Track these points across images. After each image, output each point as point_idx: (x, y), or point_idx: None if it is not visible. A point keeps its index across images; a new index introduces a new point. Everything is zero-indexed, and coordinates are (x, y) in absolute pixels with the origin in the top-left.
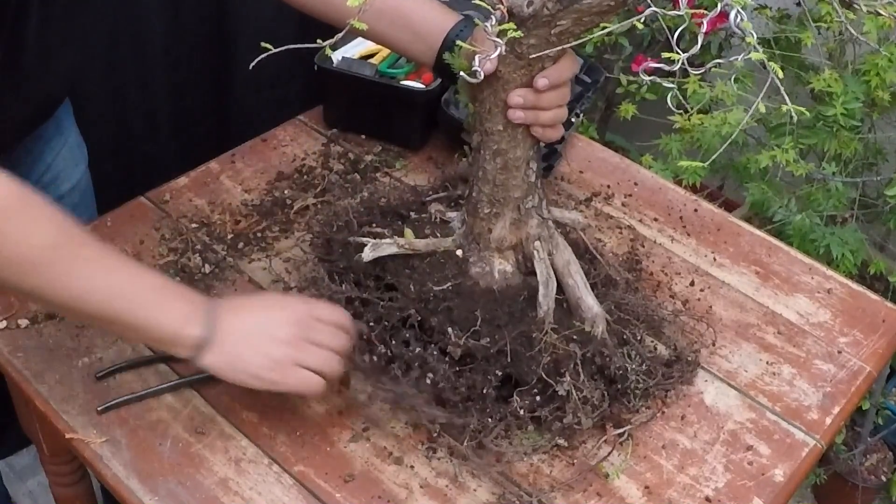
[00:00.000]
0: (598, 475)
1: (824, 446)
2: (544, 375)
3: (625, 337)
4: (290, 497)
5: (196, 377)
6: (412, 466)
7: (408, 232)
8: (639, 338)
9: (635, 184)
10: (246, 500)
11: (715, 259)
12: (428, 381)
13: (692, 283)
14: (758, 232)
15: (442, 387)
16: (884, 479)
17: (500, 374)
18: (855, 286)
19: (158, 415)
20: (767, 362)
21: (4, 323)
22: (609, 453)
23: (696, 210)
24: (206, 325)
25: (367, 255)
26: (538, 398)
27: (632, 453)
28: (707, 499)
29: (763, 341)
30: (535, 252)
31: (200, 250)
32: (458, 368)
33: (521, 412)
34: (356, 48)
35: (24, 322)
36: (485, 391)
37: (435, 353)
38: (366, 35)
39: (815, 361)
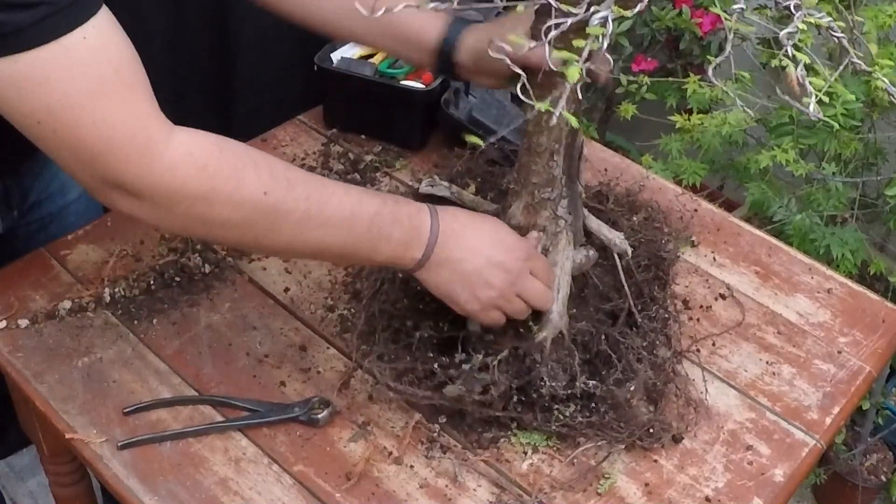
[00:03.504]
0: (598, 475)
1: (824, 446)
2: (470, 343)
3: (574, 366)
4: (290, 497)
5: (239, 422)
6: (412, 466)
7: (472, 188)
8: (593, 372)
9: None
10: (246, 500)
11: (715, 259)
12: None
13: (692, 284)
14: (758, 232)
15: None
16: (884, 479)
17: (444, 327)
18: (855, 286)
19: (158, 414)
20: (767, 362)
21: (4, 323)
22: (609, 453)
23: (696, 210)
24: (426, 250)
25: (423, 188)
26: (455, 359)
27: (632, 453)
28: (707, 499)
29: (763, 341)
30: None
31: (200, 250)
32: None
33: (434, 367)
34: (356, 48)
35: (24, 322)
36: (426, 335)
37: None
38: (362, 42)
39: (815, 361)
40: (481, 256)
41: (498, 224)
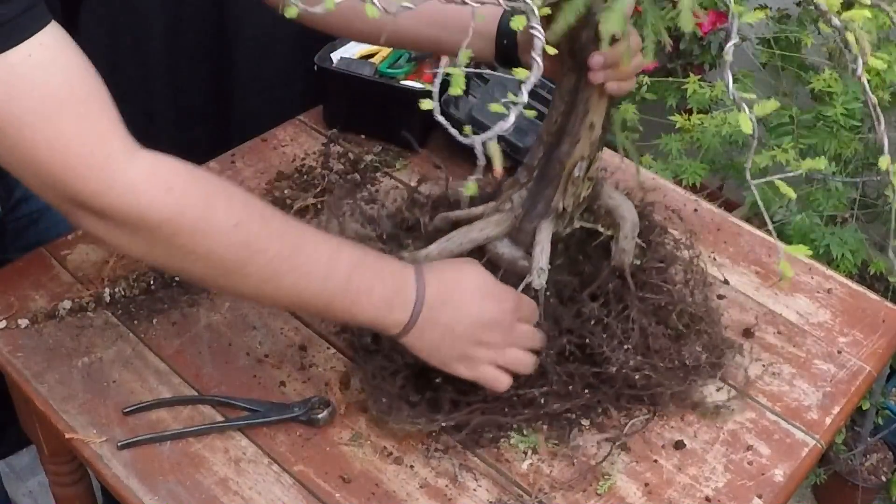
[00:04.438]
0: (598, 475)
1: (824, 446)
2: None
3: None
4: (290, 497)
5: (239, 422)
6: (412, 466)
7: None
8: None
9: None
10: (246, 500)
11: (715, 259)
12: None
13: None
14: (758, 232)
15: None
16: (884, 479)
17: None
18: (855, 286)
19: (158, 414)
20: (767, 362)
21: (4, 323)
22: (609, 453)
23: (696, 210)
24: (413, 314)
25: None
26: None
27: (632, 453)
28: (707, 499)
29: (763, 341)
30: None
31: None
32: None
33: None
34: (356, 48)
35: (24, 322)
36: None
37: None
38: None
39: (815, 361)
40: (471, 316)
41: (480, 273)
